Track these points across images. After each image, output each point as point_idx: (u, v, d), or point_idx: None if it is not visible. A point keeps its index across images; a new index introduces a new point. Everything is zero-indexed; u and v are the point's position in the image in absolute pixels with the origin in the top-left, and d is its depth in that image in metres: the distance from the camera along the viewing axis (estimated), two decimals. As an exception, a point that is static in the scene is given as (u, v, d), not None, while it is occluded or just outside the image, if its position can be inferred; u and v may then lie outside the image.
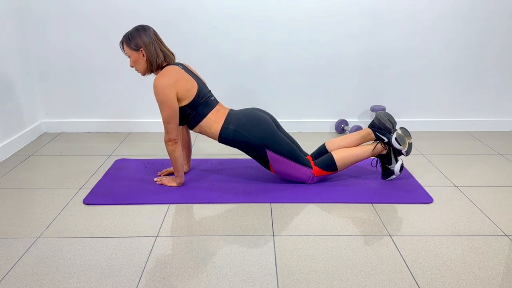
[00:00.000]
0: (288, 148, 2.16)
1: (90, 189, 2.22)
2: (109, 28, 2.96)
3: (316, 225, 1.87)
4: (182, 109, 2.10)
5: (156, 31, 3.15)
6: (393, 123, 2.27)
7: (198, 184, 2.28)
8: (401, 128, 2.28)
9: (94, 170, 2.49)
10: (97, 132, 3.22)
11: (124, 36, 2.07)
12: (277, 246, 1.71)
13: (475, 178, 2.39)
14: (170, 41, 3.01)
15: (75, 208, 2.03)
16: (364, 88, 3.18)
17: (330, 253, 1.66)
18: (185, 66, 2.19)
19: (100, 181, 2.31)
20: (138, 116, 3.21)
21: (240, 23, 2.98)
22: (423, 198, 2.13)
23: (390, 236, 1.79)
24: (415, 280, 1.51)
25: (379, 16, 2.99)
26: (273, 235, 1.79)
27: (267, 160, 2.16)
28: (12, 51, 2.81)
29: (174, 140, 2.10)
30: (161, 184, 2.26)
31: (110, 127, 3.23)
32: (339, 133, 3.24)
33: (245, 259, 1.63)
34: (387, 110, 3.16)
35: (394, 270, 1.56)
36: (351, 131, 3.03)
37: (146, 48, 2.04)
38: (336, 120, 3.24)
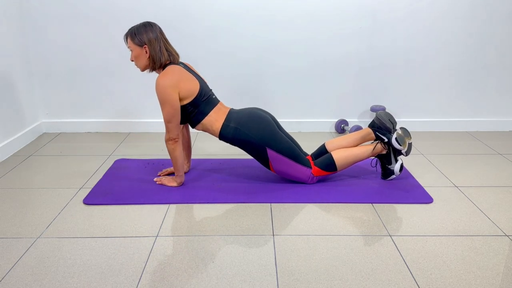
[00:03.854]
0: (288, 147, 2.16)
1: (90, 189, 2.22)
2: (109, 28, 2.96)
3: (316, 225, 1.87)
4: (184, 108, 2.10)
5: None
6: (393, 123, 2.27)
7: (198, 184, 2.28)
8: (401, 128, 2.28)
9: (94, 170, 2.49)
10: (97, 132, 3.22)
11: (129, 30, 2.06)
12: (277, 246, 1.71)
13: (475, 178, 2.38)
14: (171, 40, 3.02)
15: (75, 208, 2.03)
16: (364, 88, 3.18)
17: (330, 253, 1.66)
18: (187, 66, 2.20)
19: (100, 181, 2.31)
20: (138, 116, 3.21)
21: (240, 23, 2.98)
22: (423, 198, 2.13)
23: (390, 236, 1.79)
24: (415, 280, 1.51)
25: (379, 16, 2.99)
26: (273, 235, 1.79)
27: (267, 159, 2.16)
28: (12, 51, 2.81)
29: (174, 139, 2.10)
30: (161, 184, 2.26)
31: (110, 127, 3.23)
32: (339, 133, 3.24)
33: (245, 259, 1.63)
34: (387, 110, 3.16)
35: (394, 270, 1.56)
36: (351, 131, 3.03)
37: (150, 45, 2.03)
38: (336, 120, 3.24)
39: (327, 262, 1.60)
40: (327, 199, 2.10)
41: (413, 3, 2.96)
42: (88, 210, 2.01)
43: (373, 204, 2.07)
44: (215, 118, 2.15)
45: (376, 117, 2.29)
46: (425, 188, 2.24)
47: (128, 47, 2.07)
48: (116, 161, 2.61)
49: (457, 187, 2.27)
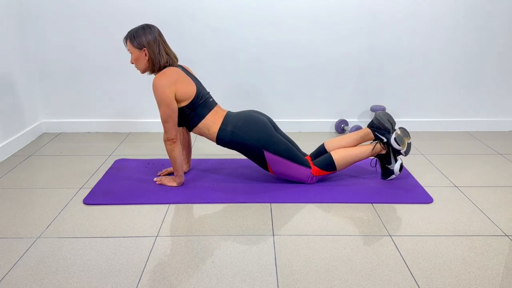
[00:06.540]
0: (286, 148, 2.16)
1: (90, 189, 2.22)
2: (109, 28, 2.96)
3: (316, 225, 1.87)
4: (181, 110, 2.10)
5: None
6: (392, 123, 2.27)
7: (198, 184, 2.28)
8: (400, 128, 2.28)
9: (94, 170, 2.49)
10: (97, 132, 3.22)
11: (128, 33, 2.07)
12: (277, 246, 1.71)
13: (475, 178, 2.38)
14: (170, 40, 3.01)
15: (75, 208, 2.03)
16: (364, 88, 3.18)
17: (330, 253, 1.66)
18: (185, 68, 2.21)
19: (100, 181, 2.31)
20: (138, 116, 3.21)
21: (240, 23, 2.98)
22: (423, 198, 2.13)
23: (390, 236, 1.79)
24: (415, 280, 1.51)
25: (379, 16, 2.99)
26: (273, 235, 1.79)
27: (265, 161, 2.17)
28: (12, 51, 2.81)
29: (172, 139, 2.11)
30: (161, 184, 2.26)
31: (110, 127, 3.23)
32: (339, 133, 3.23)
33: (245, 259, 1.63)
34: (387, 110, 3.16)
35: (394, 270, 1.56)
36: (351, 131, 3.03)
37: (149, 48, 2.05)
38: (336, 120, 3.24)
39: (327, 262, 1.60)
40: (327, 199, 2.10)
41: (413, 3, 2.96)
42: (88, 210, 2.01)
43: (373, 204, 2.07)
44: (212, 121, 2.16)
45: (375, 117, 2.29)
46: (425, 188, 2.24)
47: (128, 50, 2.09)
48: (116, 161, 2.61)
49: (457, 187, 2.27)
